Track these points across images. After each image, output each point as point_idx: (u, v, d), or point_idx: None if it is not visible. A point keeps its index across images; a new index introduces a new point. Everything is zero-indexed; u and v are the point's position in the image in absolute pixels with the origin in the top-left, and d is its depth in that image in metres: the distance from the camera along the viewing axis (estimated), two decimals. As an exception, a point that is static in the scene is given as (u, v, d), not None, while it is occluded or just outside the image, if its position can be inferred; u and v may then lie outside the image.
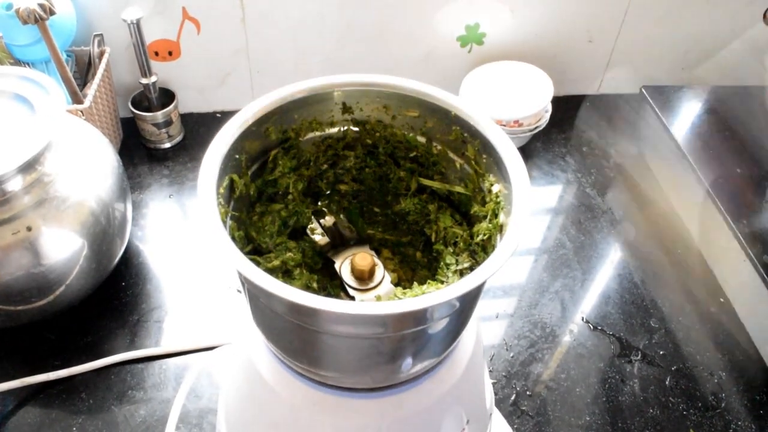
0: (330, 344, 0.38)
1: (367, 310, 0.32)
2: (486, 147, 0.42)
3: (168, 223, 1.01)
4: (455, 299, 0.32)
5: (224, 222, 0.37)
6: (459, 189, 0.47)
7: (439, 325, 0.37)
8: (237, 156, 0.43)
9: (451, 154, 0.47)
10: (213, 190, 0.37)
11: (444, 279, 0.46)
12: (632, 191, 1.11)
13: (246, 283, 0.38)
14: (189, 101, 1.19)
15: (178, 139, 1.15)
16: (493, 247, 0.41)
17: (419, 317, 0.35)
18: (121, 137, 1.14)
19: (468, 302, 0.39)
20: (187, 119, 1.19)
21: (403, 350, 0.38)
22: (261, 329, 0.43)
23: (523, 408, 0.80)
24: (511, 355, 0.85)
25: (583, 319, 0.90)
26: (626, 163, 1.17)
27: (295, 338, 0.39)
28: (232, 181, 0.42)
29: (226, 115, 1.19)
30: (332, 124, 0.48)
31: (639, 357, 0.86)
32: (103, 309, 0.87)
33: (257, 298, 0.38)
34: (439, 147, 0.48)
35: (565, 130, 1.22)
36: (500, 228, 0.41)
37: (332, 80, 0.47)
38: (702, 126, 1.05)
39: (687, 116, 1.07)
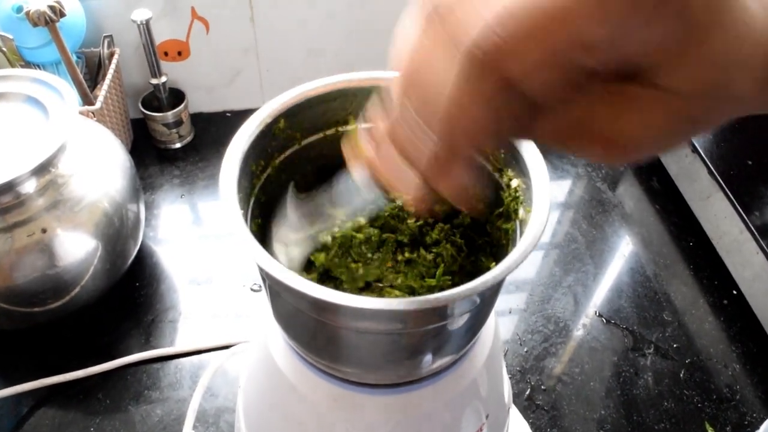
0: (351, 340, 0.38)
1: (389, 305, 0.32)
2: None
3: (180, 223, 1.01)
4: (477, 294, 0.32)
5: (246, 220, 0.37)
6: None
7: (460, 321, 0.37)
8: (254, 156, 0.43)
9: None
10: (234, 189, 0.37)
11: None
12: (642, 185, 1.11)
13: (267, 279, 0.38)
14: (199, 101, 1.19)
15: (189, 139, 1.15)
16: (513, 241, 0.41)
17: (441, 312, 0.35)
18: (131, 138, 1.14)
19: (489, 297, 0.39)
20: (197, 119, 1.19)
21: (424, 346, 0.38)
22: (281, 326, 0.43)
23: (538, 402, 0.80)
24: (525, 349, 0.85)
25: (596, 313, 0.90)
26: (636, 156, 1.16)
27: (317, 335, 0.39)
28: (251, 180, 0.42)
29: (236, 115, 1.21)
30: (346, 122, 0.49)
31: (652, 350, 0.86)
32: (118, 310, 0.88)
33: (278, 294, 0.38)
34: None
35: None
36: (521, 223, 0.41)
37: (346, 78, 0.47)
38: (712, 118, 1.05)
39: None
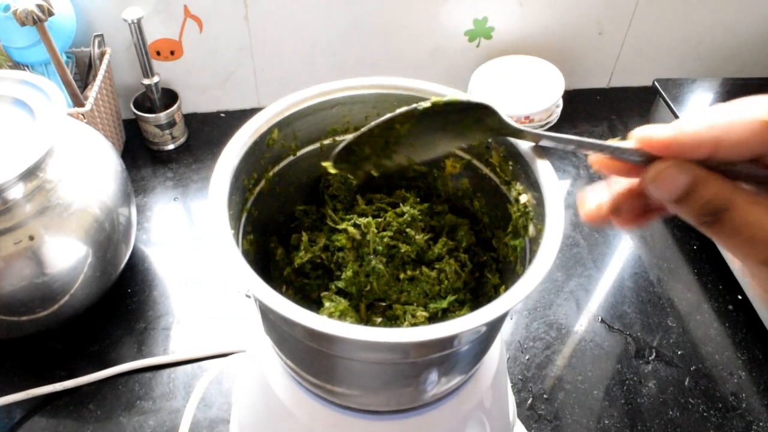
0: (351, 368, 0.36)
1: (390, 337, 0.29)
2: (512, 153, 0.40)
3: (173, 227, 0.99)
4: (485, 324, 0.30)
5: (237, 240, 0.35)
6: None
7: (466, 347, 0.35)
8: (246, 170, 0.40)
9: (475, 162, 0.45)
10: (224, 206, 0.35)
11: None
12: (645, 186, 1.09)
13: (257, 302, 0.36)
14: (192, 101, 1.17)
15: (182, 140, 1.13)
16: (522, 259, 0.39)
17: (446, 343, 0.33)
18: (123, 140, 1.12)
19: (498, 323, 0.37)
20: (191, 120, 1.17)
21: (427, 374, 0.36)
22: (274, 345, 0.41)
23: (540, 412, 0.78)
24: (527, 357, 0.83)
25: (598, 319, 0.88)
26: (638, 157, 1.14)
27: (313, 362, 0.37)
28: (243, 194, 0.40)
29: (231, 115, 1.19)
30: (345, 132, 0.46)
31: (657, 357, 0.84)
32: (110, 317, 0.86)
33: (268, 316, 0.36)
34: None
35: (576, 124, 1.20)
36: (530, 240, 0.38)
37: (345, 85, 0.44)
38: (716, 119, 1.03)
39: (700, 109, 1.04)
